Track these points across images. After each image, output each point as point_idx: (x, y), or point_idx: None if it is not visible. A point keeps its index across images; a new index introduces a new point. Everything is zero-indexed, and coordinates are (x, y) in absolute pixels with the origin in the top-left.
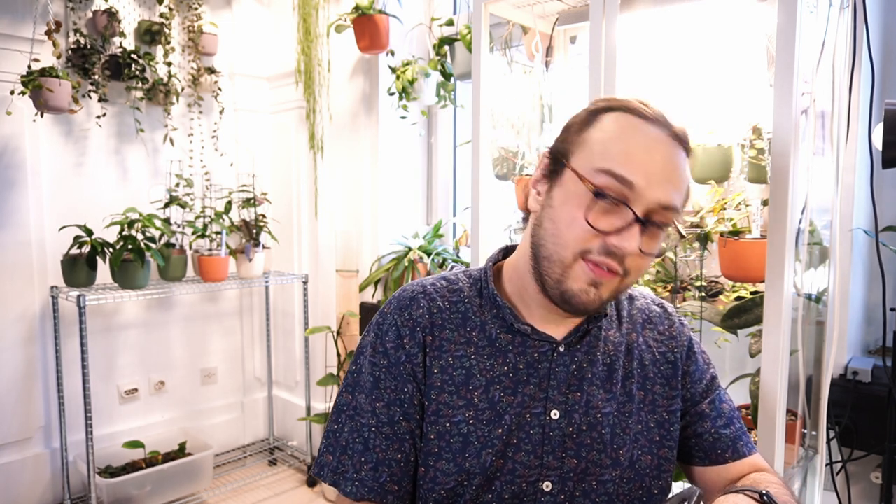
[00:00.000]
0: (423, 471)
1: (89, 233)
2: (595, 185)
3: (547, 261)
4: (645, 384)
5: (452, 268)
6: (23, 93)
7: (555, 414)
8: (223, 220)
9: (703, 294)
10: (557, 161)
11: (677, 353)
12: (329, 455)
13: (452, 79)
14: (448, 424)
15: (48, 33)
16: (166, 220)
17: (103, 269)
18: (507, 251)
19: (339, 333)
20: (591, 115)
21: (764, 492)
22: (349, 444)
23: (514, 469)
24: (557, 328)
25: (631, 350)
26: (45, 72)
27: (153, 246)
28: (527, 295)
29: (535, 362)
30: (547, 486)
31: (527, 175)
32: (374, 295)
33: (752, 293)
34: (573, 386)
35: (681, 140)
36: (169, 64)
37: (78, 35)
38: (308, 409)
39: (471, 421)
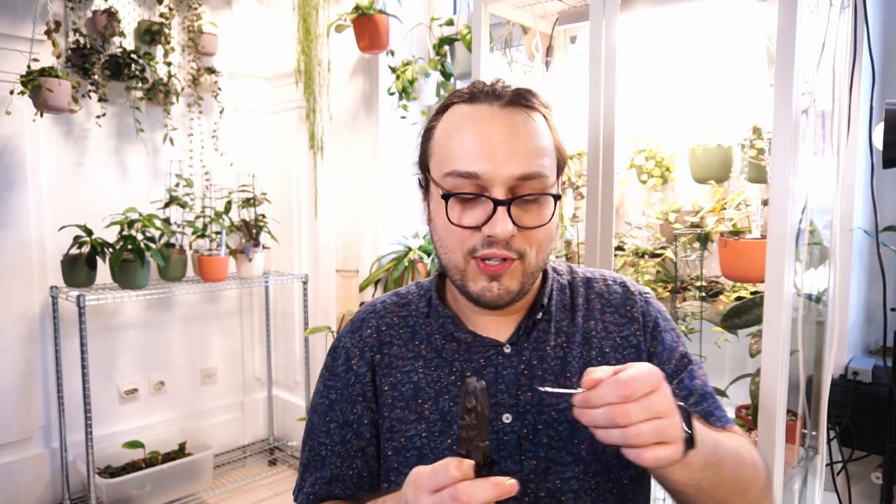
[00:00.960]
0: (385, 486)
1: (89, 233)
2: (447, 188)
3: (448, 269)
4: None
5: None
6: (22, 93)
7: (507, 418)
8: (223, 220)
9: (703, 294)
10: (423, 171)
11: (640, 336)
12: (300, 475)
13: (452, 79)
14: (403, 439)
15: (48, 33)
16: (166, 220)
17: (103, 269)
18: None
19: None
20: (435, 117)
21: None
22: (309, 462)
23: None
24: (500, 330)
25: (589, 339)
26: (44, 72)
27: (153, 246)
28: (462, 302)
29: (482, 368)
30: None
31: None
32: (374, 295)
33: (752, 293)
34: (523, 386)
35: (517, 101)
36: (169, 64)
37: (78, 35)
38: (308, 409)
39: (423, 434)
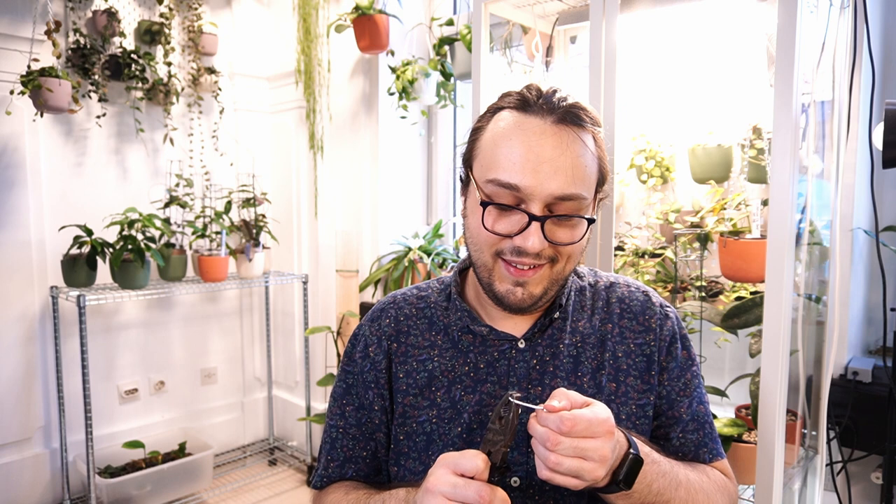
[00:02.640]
0: (394, 470)
1: (89, 233)
2: (487, 193)
3: (476, 266)
4: (618, 376)
5: (452, 268)
6: (22, 93)
7: None
8: (223, 220)
9: (703, 294)
10: (466, 169)
11: (654, 347)
12: (317, 461)
13: (452, 79)
14: (414, 425)
15: (48, 33)
16: (166, 220)
17: (103, 269)
18: None
19: (338, 333)
20: (482, 121)
21: (633, 447)
22: (322, 445)
23: None
24: (517, 325)
25: (604, 342)
26: (44, 72)
27: (153, 246)
28: (483, 298)
29: (495, 361)
30: (515, 481)
31: None
32: (374, 295)
33: (752, 293)
34: (534, 381)
35: (572, 120)
36: (169, 64)
37: (78, 35)
38: (308, 409)
39: (434, 420)
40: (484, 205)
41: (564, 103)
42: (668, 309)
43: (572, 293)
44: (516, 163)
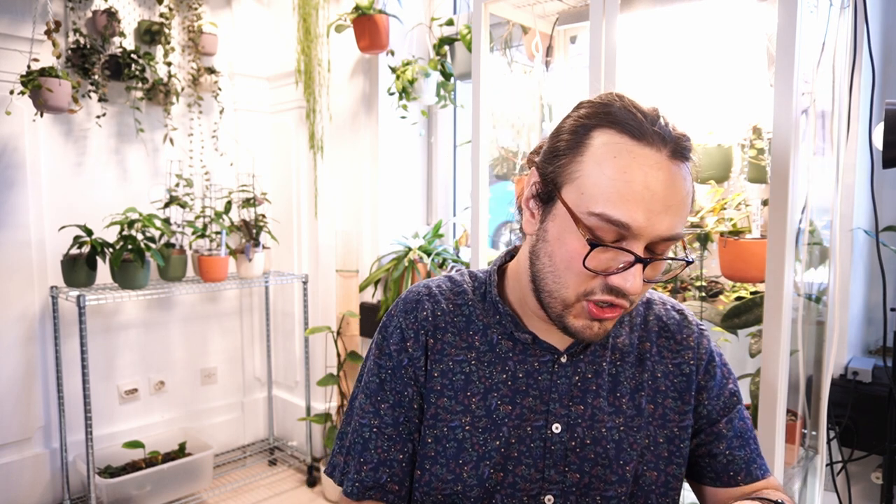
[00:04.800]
0: (418, 474)
1: (89, 233)
2: (589, 227)
3: (548, 296)
4: (656, 397)
5: (452, 268)
6: (22, 93)
7: (556, 427)
8: (223, 220)
9: (703, 294)
10: (548, 186)
11: (693, 366)
12: (340, 456)
13: (452, 79)
14: (445, 429)
15: (48, 33)
16: (166, 220)
17: (103, 269)
18: (513, 252)
19: (339, 333)
20: (580, 135)
21: (779, 501)
22: (352, 444)
23: (515, 483)
24: (561, 338)
25: (643, 360)
26: (44, 72)
27: (153, 246)
28: (528, 306)
29: (535, 372)
30: (549, 499)
31: (525, 175)
32: (374, 295)
33: (752, 293)
34: (576, 398)
35: (681, 152)
36: (169, 64)
37: (78, 35)
38: (308, 409)
39: (467, 427)
40: (592, 245)
41: (675, 133)
42: (702, 327)
43: None
44: (630, 199)
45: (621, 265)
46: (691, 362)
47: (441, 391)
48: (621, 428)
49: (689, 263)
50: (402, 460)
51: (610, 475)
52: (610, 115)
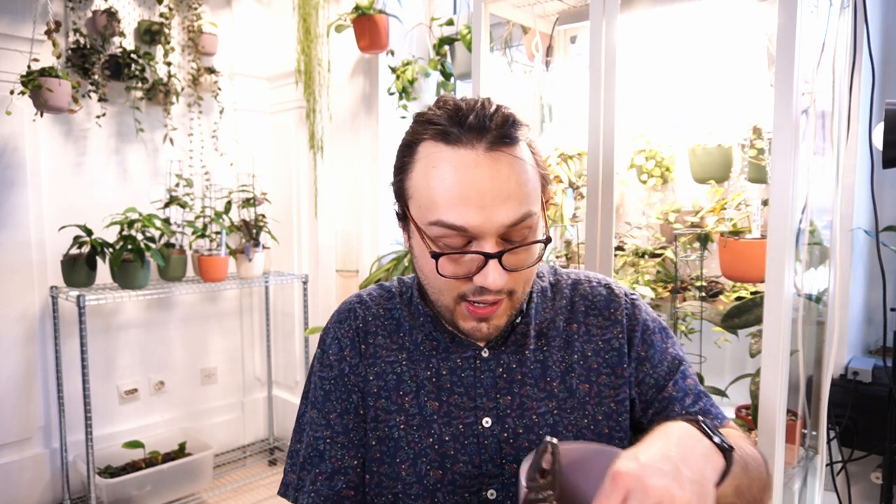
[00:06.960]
0: (368, 477)
1: (89, 233)
2: (434, 237)
3: (434, 305)
4: (590, 376)
5: None
6: (22, 93)
7: (487, 421)
8: (223, 220)
9: (703, 294)
10: (401, 205)
11: (622, 339)
12: (293, 474)
13: (452, 79)
14: (385, 429)
15: (48, 33)
16: (166, 220)
17: (103, 269)
18: None
19: None
20: (410, 150)
21: (699, 419)
22: (306, 458)
23: (455, 480)
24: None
25: (570, 342)
26: (44, 72)
27: (153, 246)
28: None
29: (458, 369)
30: (491, 493)
31: None
32: None
33: (752, 293)
34: (503, 390)
35: (502, 139)
36: (169, 64)
37: (78, 35)
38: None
39: (402, 426)
40: (436, 256)
41: (490, 122)
42: (633, 297)
43: (534, 295)
44: (456, 202)
45: (476, 265)
46: (621, 336)
47: (378, 393)
48: (555, 412)
49: (546, 242)
50: (356, 466)
51: None
52: (428, 123)
